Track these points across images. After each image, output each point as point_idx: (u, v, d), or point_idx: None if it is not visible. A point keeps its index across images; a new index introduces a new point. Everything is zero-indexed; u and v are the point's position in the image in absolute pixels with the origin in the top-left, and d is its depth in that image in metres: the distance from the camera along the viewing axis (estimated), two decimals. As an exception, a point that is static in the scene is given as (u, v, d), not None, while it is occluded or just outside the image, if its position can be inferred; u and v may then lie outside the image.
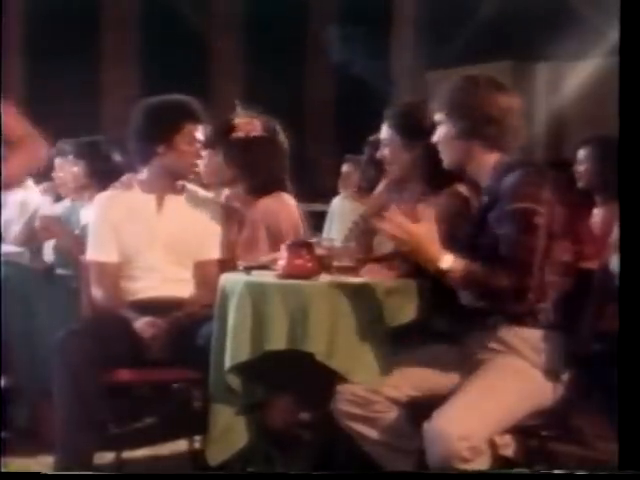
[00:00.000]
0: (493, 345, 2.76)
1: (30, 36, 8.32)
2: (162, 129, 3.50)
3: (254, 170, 3.62)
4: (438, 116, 2.89)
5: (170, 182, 3.60)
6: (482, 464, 2.58)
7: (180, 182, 3.62)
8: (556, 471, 2.94)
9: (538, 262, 2.66)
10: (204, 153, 3.62)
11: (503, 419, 2.67)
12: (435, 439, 2.56)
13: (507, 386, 2.68)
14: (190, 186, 3.69)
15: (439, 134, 2.89)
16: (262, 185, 3.63)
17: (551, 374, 2.74)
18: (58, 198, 5.16)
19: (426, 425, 2.60)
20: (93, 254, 3.60)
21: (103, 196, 3.68)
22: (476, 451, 2.55)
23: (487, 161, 2.83)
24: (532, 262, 2.65)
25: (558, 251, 2.72)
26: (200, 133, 3.56)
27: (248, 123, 3.63)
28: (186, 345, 3.27)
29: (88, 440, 3.24)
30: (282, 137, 3.70)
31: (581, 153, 4.39)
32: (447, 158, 2.90)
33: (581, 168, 4.37)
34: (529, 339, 2.73)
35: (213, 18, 9.50)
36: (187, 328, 3.34)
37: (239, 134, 3.61)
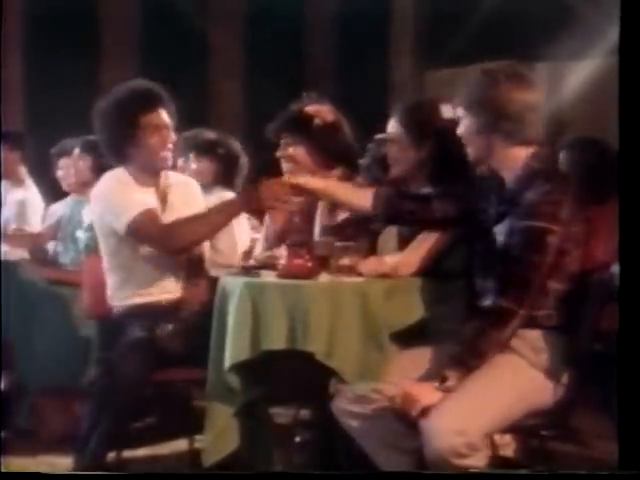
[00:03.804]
0: None
1: (30, 36, 8.30)
2: (121, 130, 3.42)
3: (344, 154, 3.53)
4: (459, 111, 2.86)
5: (152, 178, 3.52)
6: (479, 460, 2.58)
7: (164, 174, 3.55)
8: (556, 471, 2.94)
9: (539, 279, 2.66)
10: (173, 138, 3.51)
11: (500, 416, 2.67)
12: (432, 435, 2.56)
13: (504, 384, 2.67)
14: (172, 174, 3.63)
15: (461, 129, 2.86)
16: (354, 169, 3.58)
17: (550, 374, 2.73)
18: (60, 196, 5.18)
19: (423, 422, 2.60)
20: (127, 215, 3.34)
21: (106, 179, 3.52)
22: (473, 447, 2.55)
23: (510, 156, 2.79)
24: (533, 280, 2.65)
25: (568, 263, 2.71)
26: (161, 117, 3.46)
27: (321, 110, 3.52)
28: (187, 345, 3.28)
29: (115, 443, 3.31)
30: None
31: (561, 156, 4.31)
32: (471, 153, 2.86)
33: None
34: (529, 339, 2.73)
35: (213, 18, 9.49)
36: (191, 327, 3.35)
37: (319, 121, 3.49)
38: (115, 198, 3.42)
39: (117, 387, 3.20)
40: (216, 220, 3.31)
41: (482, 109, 2.77)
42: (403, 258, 3.03)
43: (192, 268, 3.54)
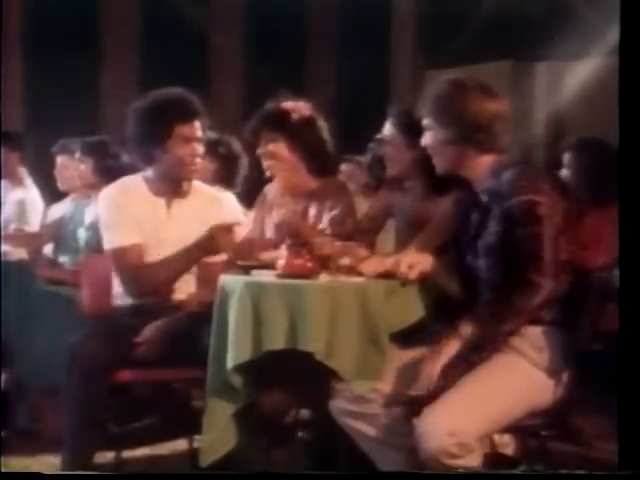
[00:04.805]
0: None
1: (30, 36, 8.31)
2: (153, 135, 3.44)
3: (320, 149, 3.55)
4: (426, 121, 2.86)
5: (173, 184, 3.54)
6: (472, 461, 2.57)
7: (185, 182, 3.56)
8: (556, 471, 2.94)
9: (550, 252, 2.64)
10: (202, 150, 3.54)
11: (496, 417, 2.66)
12: (424, 434, 2.56)
13: (502, 384, 2.67)
14: (197, 184, 3.64)
15: (429, 139, 2.87)
16: (331, 164, 3.60)
17: (551, 373, 2.73)
18: (60, 196, 5.18)
19: (416, 421, 2.60)
20: (115, 240, 3.45)
21: (115, 186, 3.56)
22: (465, 448, 2.55)
23: (480, 164, 2.81)
24: (543, 252, 2.64)
25: (564, 242, 2.70)
26: (196, 129, 3.48)
27: (298, 105, 3.54)
28: (187, 345, 3.27)
29: (95, 440, 3.27)
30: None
31: (565, 157, 4.31)
32: (440, 163, 2.88)
33: (565, 172, 4.27)
34: (529, 337, 2.72)
35: (213, 17, 9.49)
36: (188, 327, 3.34)
37: (296, 116, 3.52)
38: (113, 214, 3.48)
39: (76, 383, 3.21)
40: (179, 267, 3.45)
41: (453, 121, 2.78)
42: (419, 258, 3.00)
43: (206, 271, 3.53)
